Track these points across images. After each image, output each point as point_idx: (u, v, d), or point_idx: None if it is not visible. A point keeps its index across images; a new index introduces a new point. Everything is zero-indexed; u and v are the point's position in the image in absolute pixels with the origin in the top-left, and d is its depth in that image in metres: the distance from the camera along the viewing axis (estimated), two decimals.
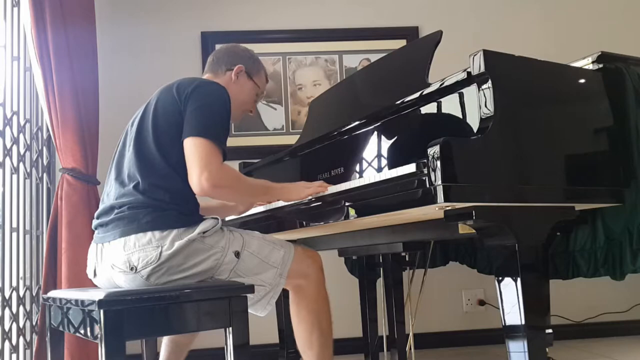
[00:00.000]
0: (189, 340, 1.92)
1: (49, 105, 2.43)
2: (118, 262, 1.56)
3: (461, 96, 1.47)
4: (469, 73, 1.42)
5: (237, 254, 1.61)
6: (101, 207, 1.67)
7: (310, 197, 1.69)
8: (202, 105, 1.61)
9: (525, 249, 1.38)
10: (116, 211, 1.59)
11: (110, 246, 1.58)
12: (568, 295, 2.84)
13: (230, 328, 1.46)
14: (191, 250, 1.55)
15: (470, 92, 1.44)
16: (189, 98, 1.62)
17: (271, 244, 1.68)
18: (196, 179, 1.54)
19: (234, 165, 2.36)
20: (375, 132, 1.76)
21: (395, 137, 1.68)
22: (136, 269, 1.53)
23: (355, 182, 1.58)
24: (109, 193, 1.67)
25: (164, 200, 1.57)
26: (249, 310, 1.55)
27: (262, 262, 1.64)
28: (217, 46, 3.09)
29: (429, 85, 1.63)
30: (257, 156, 2.67)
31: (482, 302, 3.11)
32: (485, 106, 1.38)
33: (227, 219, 2.28)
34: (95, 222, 1.67)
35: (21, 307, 2.43)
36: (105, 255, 1.60)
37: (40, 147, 2.67)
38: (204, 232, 1.57)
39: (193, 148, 1.56)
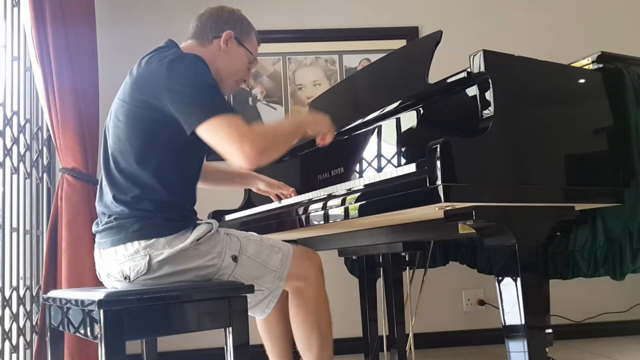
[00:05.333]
0: (277, 325, 1.85)
1: (49, 105, 2.43)
2: (112, 271, 1.55)
3: (461, 96, 1.48)
4: (469, 73, 1.43)
5: (235, 258, 1.57)
6: (97, 213, 1.64)
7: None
8: (186, 90, 1.46)
9: (525, 248, 1.38)
10: (106, 221, 1.56)
11: (105, 253, 1.56)
12: (568, 295, 2.84)
13: (230, 328, 1.46)
14: (185, 257, 1.51)
15: (470, 92, 1.44)
16: (164, 92, 1.48)
17: (269, 247, 1.64)
18: (239, 153, 1.41)
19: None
20: (375, 132, 1.76)
21: (395, 137, 1.68)
22: (130, 279, 1.51)
23: (355, 182, 1.58)
24: (100, 201, 1.62)
25: (148, 210, 1.51)
26: (249, 313, 1.55)
27: (261, 266, 1.60)
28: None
29: (429, 85, 1.63)
30: None
31: (482, 302, 3.11)
32: (485, 106, 1.38)
33: (227, 218, 2.28)
34: (93, 227, 1.64)
35: (21, 307, 2.43)
36: (103, 262, 1.58)
37: (40, 147, 2.67)
38: (197, 240, 1.52)
39: (213, 132, 1.43)
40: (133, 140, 1.54)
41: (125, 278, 1.52)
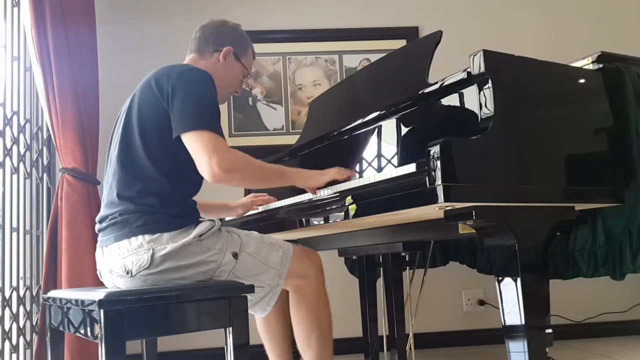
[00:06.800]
0: (277, 324, 1.87)
1: (49, 105, 2.43)
2: (115, 266, 1.56)
3: (461, 96, 1.48)
4: (469, 73, 1.42)
5: (235, 255, 1.59)
6: (100, 211, 1.65)
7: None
8: (187, 97, 1.54)
9: (525, 249, 1.38)
10: (110, 217, 1.58)
11: (108, 250, 1.58)
12: (568, 295, 2.84)
13: (230, 328, 1.46)
14: (187, 252, 1.53)
15: (470, 92, 1.44)
16: (172, 93, 1.55)
17: (269, 245, 1.66)
18: (206, 166, 1.49)
19: None
20: (375, 132, 1.76)
21: (395, 137, 1.68)
22: (132, 273, 1.53)
23: (355, 182, 1.58)
24: (105, 198, 1.64)
25: (153, 205, 1.54)
26: (249, 311, 1.55)
27: (261, 263, 1.62)
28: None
29: (429, 85, 1.63)
30: (257, 156, 2.65)
31: (482, 302, 3.11)
32: (485, 106, 1.38)
33: (227, 219, 2.28)
34: (96, 226, 1.66)
35: (21, 307, 2.43)
36: (106, 259, 1.60)
37: (40, 147, 2.67)
38: (200, 235, 1.54)
39: (194, 142, 1.51)
40: (143, 134, 1.58)
41: (127, 273, 1.53)
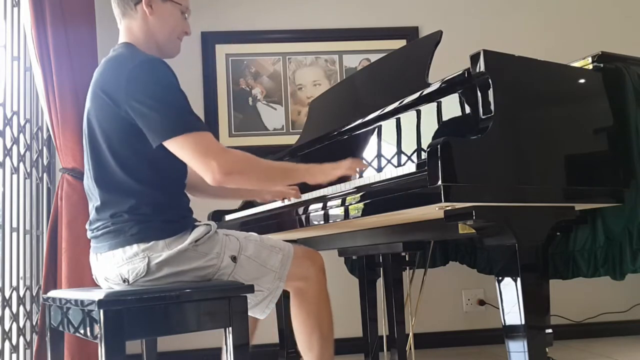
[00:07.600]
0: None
1: (49, 105, 2.43)
2: (111, 275, 1.53)
3: (461, 96, 1.48)
4: (469, 73, 1.43)
5: (234, 259, 1.56)
6: (90, 219, 1.59)
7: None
8: (152, 104, 1.44)
9: (525, 249, 1.38)
10: (102, 226, 1.53)
11: (102, 257, 1.54)
12: (568, 295, 2.83)
13: (230, 328, 1.46)
14: (183, 259, 1.50)
15: (470, 92, 1.44)
16: (131, 104, 1.44)
17: (269, 247, 1.63)
18: (206, 171, 1.45)
19: None
20: (375, 132, 1.76)
21: (395, 137, 1.68)
22: (129, 282, 1.50)
23: (355, 182, 1.59)
24: (93, 209, 1.57)
25: (146, 214, 1.49)
26: (248, 313, 1.54)
27: (260, 267, 1.59)
28: (217, 47, 3.18)
29: (429, 85, 1.63)
30: (257, 156, 2.66)
31: (482, 302, 3.11)
32: (485, 106, 1.38)
33: (227, 218, 2.28)
34: (88, 233, 1.61)
35: (21, 307, 2.43)
36: (100, 266, 1.57)
37: (40, 147, 2.67)
38: (195, 241, 1.51)
39: (184, 149, 1.45)
40: (113, 152, 1.50)
41: (124, 281, 1.51)
